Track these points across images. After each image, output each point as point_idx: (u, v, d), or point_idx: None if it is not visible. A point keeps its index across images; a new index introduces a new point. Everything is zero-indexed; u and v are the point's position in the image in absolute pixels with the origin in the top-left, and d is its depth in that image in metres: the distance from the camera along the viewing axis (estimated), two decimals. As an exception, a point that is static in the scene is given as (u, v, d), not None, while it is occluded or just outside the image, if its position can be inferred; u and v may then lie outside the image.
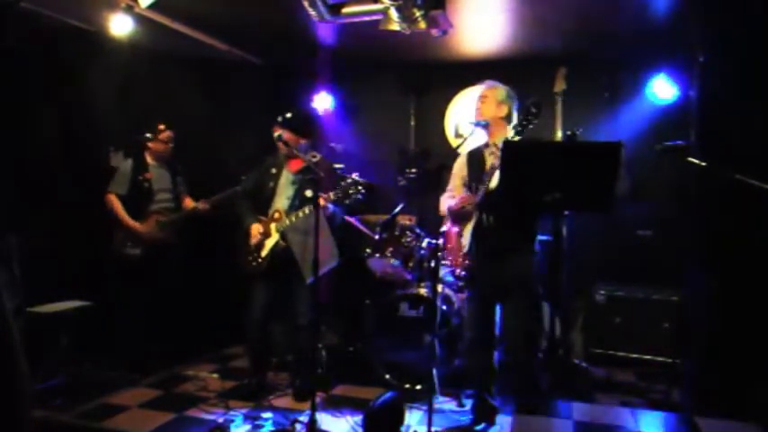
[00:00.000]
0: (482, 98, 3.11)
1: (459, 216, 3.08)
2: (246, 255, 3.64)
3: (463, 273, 3.06)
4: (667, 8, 3.69)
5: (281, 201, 3.68)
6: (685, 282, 3.60)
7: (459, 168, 3.24)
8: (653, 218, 4.45)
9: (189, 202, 4.29)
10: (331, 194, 3.38)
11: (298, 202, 3.62)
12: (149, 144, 4.17)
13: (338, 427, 3.24)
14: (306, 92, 5.25)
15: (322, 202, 3.34)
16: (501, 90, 3.10)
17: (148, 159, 4.19)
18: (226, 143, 4.78)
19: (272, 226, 3.62)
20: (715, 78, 3.20)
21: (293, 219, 3.51)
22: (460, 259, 3.06)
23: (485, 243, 3.00)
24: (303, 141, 3.74)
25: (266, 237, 3.62)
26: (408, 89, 5.28)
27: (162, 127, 4.19)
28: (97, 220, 4.07)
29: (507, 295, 3.02)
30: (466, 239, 3.03)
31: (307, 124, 3.86)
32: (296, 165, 3.73)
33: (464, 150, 3.29)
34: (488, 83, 3.15)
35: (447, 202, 3.19)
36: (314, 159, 3.59)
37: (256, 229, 3.63)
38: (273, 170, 3.74)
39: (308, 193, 3.55)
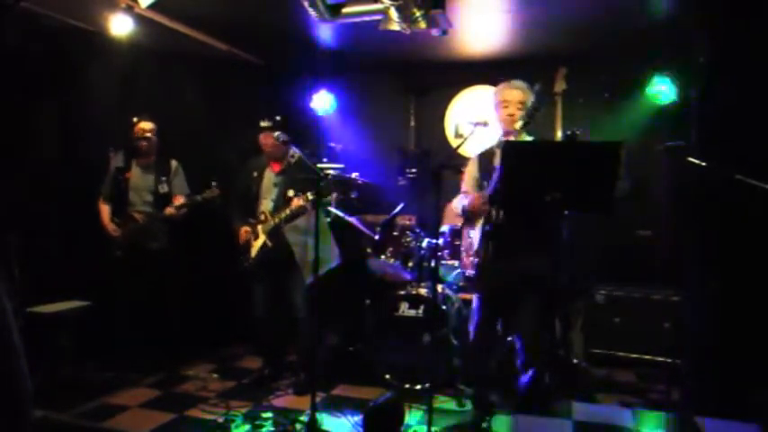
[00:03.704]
0: (510, 104, 2.99)
1: (473, 215, 3.05)
2: (239, 256, 3.81)
3: (471, 272, 3.00)
4: (667, 8, 3.69)
5: (266, 203, 3.80)
6: (685, 282, 3.60)
7: (471, 170, 3.19)
8: (653, 218, 4.45)
9: (169, 209, 4.01)
10: (308, 195, 3.45)
11: (281, 203, 3.72)
12: (132, 142, 4.06)
13: (338, 427, 3.24)
14: (306, 92, 5.25)
15: (299, 202, 3.50)
16: (527, 94, 2.99)
17: (134, 159, 4.09)
18: (226, 143, 4.78)
19: (260, 228, 3.76)
20: (715, 78, 3.20)
21: (277, 220, 3.65)
22: (471, 259, 3.01)
23: (495, 241, 2.93)
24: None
25: (255, 238, 3.77)
26: (408, 89, 5.28)
27: (135, 120, 4.04)
28: (97, 220, 4.07)
29: (518, 296, 2.97)
30: (475, 238, 3.00)
31: (289, 124, 3.86)
32: (277, 166, 3.84)
33: (470, 151, 3.28)
34: (512, 83, 3.03)
35: (461, 201, 3.12)
36: (292, 160, 3.67)
37: (244, 230, 3.79)
38: (255, 173, 3.87)
39: (290, 192, 3.66)
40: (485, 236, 2.95)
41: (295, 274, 3.57)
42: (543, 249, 2.93)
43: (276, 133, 3.59)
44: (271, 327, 3.90)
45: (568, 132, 2.83)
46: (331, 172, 3.54)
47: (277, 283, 3.78)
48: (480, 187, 3.11)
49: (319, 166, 3.88)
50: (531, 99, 3.00)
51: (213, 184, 3.95)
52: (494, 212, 2.93)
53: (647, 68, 4.40)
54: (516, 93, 3.01)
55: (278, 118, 3.77)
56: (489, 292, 3.05)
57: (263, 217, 3.76)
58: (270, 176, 3.84)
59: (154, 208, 4.03)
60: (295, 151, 3.71)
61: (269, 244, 3.69)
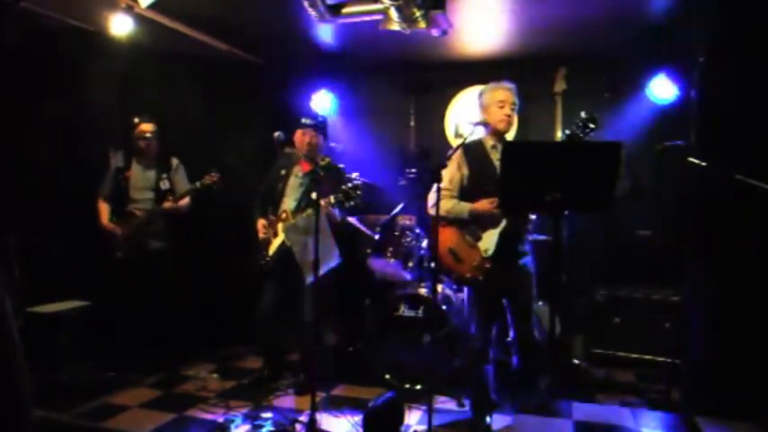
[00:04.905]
0: (506, 104, 3.01)
1: (481, 218, 2.99)
2: (257, 253, 3.78)
3: (480, 277, 2.96)
4: (667, 8, 3.69)
5: (289, 202, 3.79)
6: (685, 282, 3.60)
7: (458, 166, 3.11)
8: (653, 218, 4.45)
9: (167, 203, 4.04)
10: (332, 198, 3.41)
11: (304, 203, 3.71)
12: (132, 142, 4.08)
13: (338, 427, 3.24)
14: (306, 92, 5.25)
15: (323, 203, 3.41)
16: (515, 95, 3.05)
17: (134, 158, 4.11)
18: (226, 143, 4.78)
19: (280, 225, 3.73)
20: (715, 78, 3.20)
21: (298, 219, 3.59)
22: (476, 264, 2.96)
23: (509, 246, 2.96)
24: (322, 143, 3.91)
25: (274, 236, 3.75)
26: (408, 89, 5.28)
27: (136, 121, 4.06)
28: (97, 220, 4.07)
29: (515, 298, 3.04)
30: (489, 243, 2.95)
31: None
32: (306, 166, 3.82)
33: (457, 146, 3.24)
34: (504, 84, 3.05)
35: (458, 206, 3.05)
36: (322, 162, 3.67)
37: (261, 224, 3.77)
38: (283, 172, 3.87)
39: (315, 195, 3.60)
40: (503, 239, 2.93)
41: None
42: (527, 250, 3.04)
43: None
44: (275, 326, 3.88)
45: (568, 132, 2.84)
46: (355, 175, 3.54)
47: (289, 284, 3.72)
48: (467, 185, 3.08)
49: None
50: (518, 100, 3.07)
51: (213, 171, 3.95)
52: (511, 218, 2.92)
53: (647, 68, 4.40)
54: (510, 94, 3.03)
55: (320, 119, 3.87)
56: (495, 292, 3.04)
57: (284, 215, 3.73)
58: (297, 176, 3.84)
59: (155, 205, 4.04)
60: (326, 155, 3.78)
61: (288, 243, 3.62)
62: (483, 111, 3.09)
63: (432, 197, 3.05)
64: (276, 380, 3.92)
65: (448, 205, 3.04)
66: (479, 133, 3.14)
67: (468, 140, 3.03)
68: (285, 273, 3.70)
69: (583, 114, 2.76)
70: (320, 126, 3.85)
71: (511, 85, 3.06)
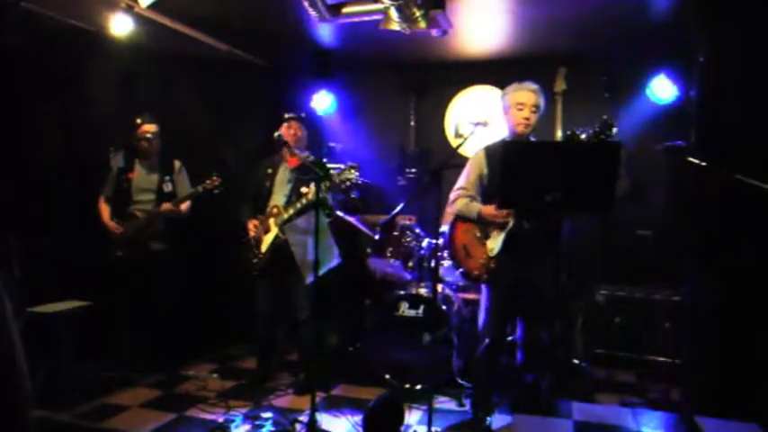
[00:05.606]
0: (525, 107, 2.95)
1: (488, 221, 3.00)
2: (248, 252, 3.76)
3: (485, 276, 2.97)
4: (667, 8, 3.69)
5: (279, 198, 3.78)
6: (685, 282, 3.60)
7: (478, 166, 3.10)
8: (653, 218, 4.45)
9: (165, 205, 4.00)
10: (327, 182, 3.41)
11: (294, 198, 3.71)
12: (134, 143, 4.06)
13: (338, 427, 3.24)
14: (306, 92, 5.25)
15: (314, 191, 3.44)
16: (539, 96, 2.99)
17: (136, 159, 4.10)
18: (226, 143, 4.78)
19: (271, 221, 3.72)
20: (715, 78, 3.20)
21: (290, 211, 3.61)
22: (482, 261, 2.97)
23: (517, 248, 2.93)
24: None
25: (265, 232, 3.73)
26: (408, 89, 5.28)
27: (139, 121, 4.04)
28: (97, 220, 4.07)
29: (530, 301, 3.01)
30: (495, 243, 2.95)
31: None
32: (294, 162, 3.83)
33: (470, 151, 3.25)
34: (526, 86, 2.99)
35: (469, 206, 3.06)
36: (309, 159, 3.68)
37: (252, 224, 3.77)
38: (270, 170, 3.87)
39: (304, 189, 3.63)
40: (509, 240, 2.92)
41: (300, 272, 3.55)
42: (552, 252, 3.00)
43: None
44: (270, 325, 3.89)
45: (568, 132, 2.84)
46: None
47: (283, 280, 3.73)
48: (483, 185, 3.09)
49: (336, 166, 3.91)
50: (542, 101, 3.01)
51: (214, 174, 3.94)
52: (516, 219, 2.91)
53: (647, 68, 4.40)
54: (532, 95, 2.96)
55: (302, 114, 3.90)
56: (505, 293, 3.03)
57: (275, 210, 3.71)
58: (284, 172, 3.83)
59: (157, 207, 4.03)
60: (311, 154, 3.83)
61: (281, 236, 3.62)
62: (504, 113, 3.05)
63: (458, 200, 3.12)
64: (268, 380, 3.91)
65: (459, 205, 3.10)
66: (484, 132, 3.14)
67: (493, 142, 3.07)
68: (280, 270, 3.70)
69: (605, 118, 2.72)
70: (303, 119, 3.88)
71: (534, 87, 2.99)
